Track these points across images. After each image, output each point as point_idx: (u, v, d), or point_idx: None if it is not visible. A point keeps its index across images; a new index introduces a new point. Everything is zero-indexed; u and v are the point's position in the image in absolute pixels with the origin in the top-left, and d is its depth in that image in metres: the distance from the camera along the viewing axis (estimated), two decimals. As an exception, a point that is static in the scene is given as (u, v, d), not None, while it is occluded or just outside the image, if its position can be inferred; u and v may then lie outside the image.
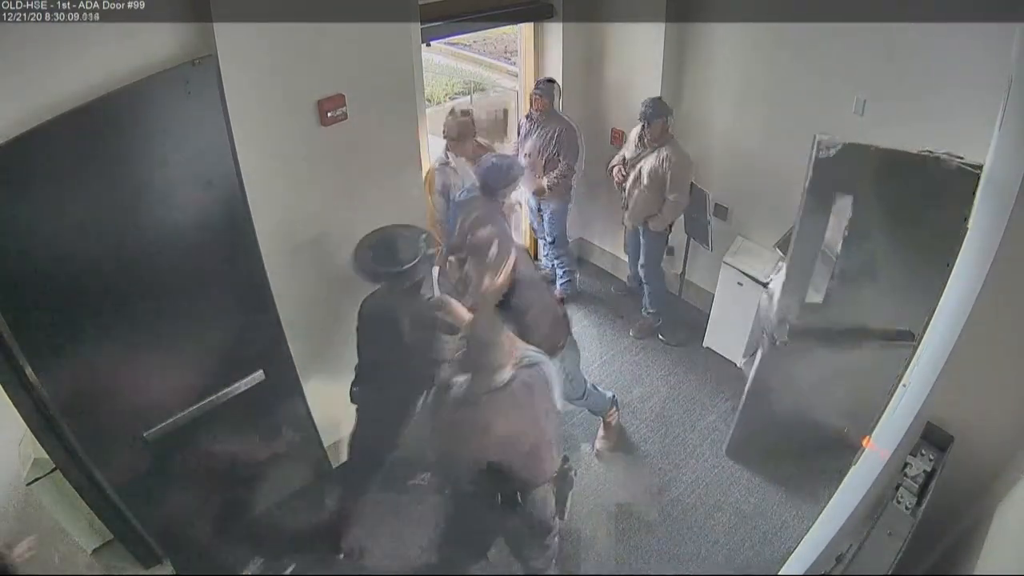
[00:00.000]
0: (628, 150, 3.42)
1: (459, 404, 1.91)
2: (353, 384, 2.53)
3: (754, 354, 2.85)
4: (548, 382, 1.98)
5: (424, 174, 3.01)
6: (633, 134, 3.40)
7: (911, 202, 2.31)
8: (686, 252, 3.67)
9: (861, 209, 2.36)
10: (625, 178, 3.41)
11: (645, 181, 3.30)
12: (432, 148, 3.32)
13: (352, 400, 2.53)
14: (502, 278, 2.37)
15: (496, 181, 2.71)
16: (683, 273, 3.76)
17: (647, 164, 3.29)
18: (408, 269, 2.20)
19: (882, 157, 2.28)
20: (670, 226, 3.47)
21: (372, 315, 2.28)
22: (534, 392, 1.95)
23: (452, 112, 3.21)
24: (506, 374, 1.91)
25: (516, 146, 3.67)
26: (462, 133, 3.11)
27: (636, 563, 2.69)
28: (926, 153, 2.24)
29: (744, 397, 2.93)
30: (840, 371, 2.70)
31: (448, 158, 3.16)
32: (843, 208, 2.38)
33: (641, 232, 3.54)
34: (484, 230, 2.57)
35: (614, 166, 3.48)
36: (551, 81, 3.48)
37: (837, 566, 1.94)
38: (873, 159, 2.29)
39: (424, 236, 2.29)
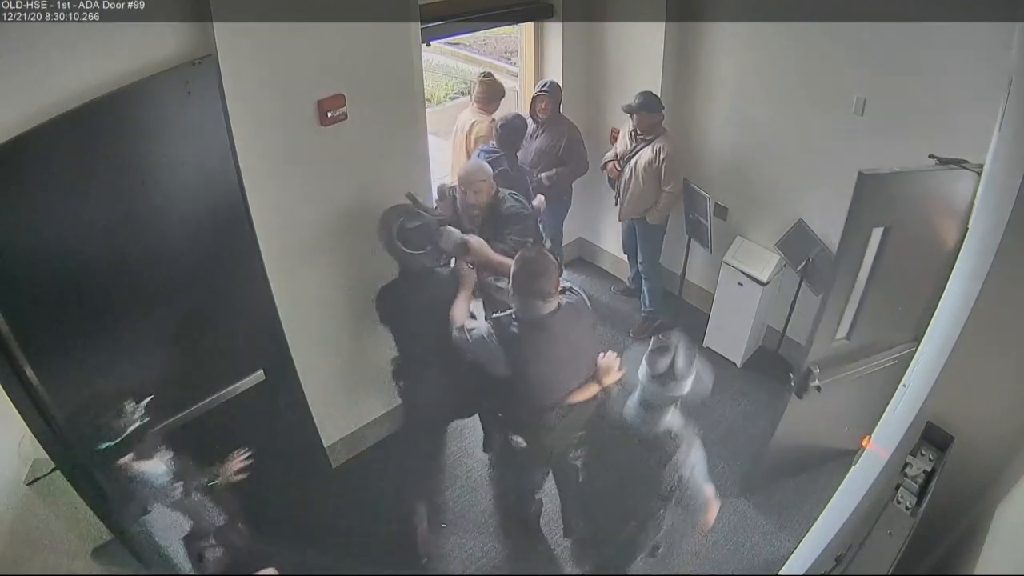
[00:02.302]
0: (620, 146, 3.43)
1: (522, 329, 2.07)
2: (397, 377, 2.59)
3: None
4: (586, 303, 2.20)
5: (466, 128, 3.56)
6: (625, 129, 3.40)
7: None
8: (686, 252, 3.67)
9: (903, 238, 2.26)
10: (619, 173, 3.41)
11: (641, 175, 3.31)
12: (432, 148, 3.34)
13: (401, 394, 2.63)
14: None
15: (514, 136, 3.20)
16: (683, 273, 3.76)
17: (642, 158, 3.30)
18: (433, 248, 2.34)
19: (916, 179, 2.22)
20: (666, 219, 3.48)
21: (400, 303, 2.36)
22: (580, 313, 2.16)
23: (482, 79, 3.60)
24: (553, 302, 2.07)
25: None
26: (492, 94, 3.54)
27: (635, 563, 2.69)
28: (933, 160, 2.22)
29: (770, 448, 2.82)
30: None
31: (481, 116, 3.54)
32: (883, 240, 2.27)
33: (637, 228, 3.54)
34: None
35: (608, 162, 3.49)
36: (556, 84, 3.48)
37: (837, 566, 1.94)
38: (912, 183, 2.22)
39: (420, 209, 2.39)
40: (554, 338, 2.09)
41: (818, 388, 2.37)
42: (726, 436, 3.16)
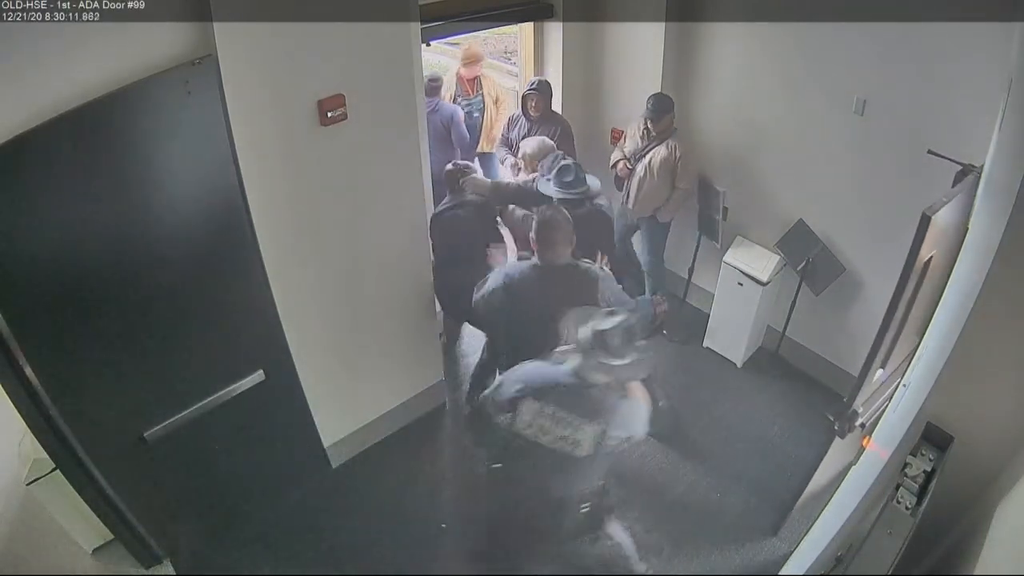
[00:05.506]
0: (629, 145, 3.43)
1: (539, 272, 2.36)
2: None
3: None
4: (597, 279, 2.37)
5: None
6: (632, 129, 3.41)
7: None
8: (696, 251, 3.67)
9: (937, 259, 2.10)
10: (631, 172, 3.42)
11: (656, 172, 3.32)
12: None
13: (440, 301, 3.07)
14: None
15: (435, 84, 3.70)
16: (691, 269, 3.76)
17: (657, 156, 3.30)
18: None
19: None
20: (673, 217, 3.49)
21: (453, 224, 2.88)
22: (587, 277, 2.36)
23: (468, 45, 4.01)
24: (565, 258, 2.33)
25: (506, 141, 3.66)
26: (476, 57, 3.92)
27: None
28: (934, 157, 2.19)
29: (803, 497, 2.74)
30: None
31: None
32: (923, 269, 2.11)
33: (644, 225, 3.55)
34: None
35: (618, 161, 3.49)
36: (546, 81, 3.48)
37: (837, 566, 1.94)
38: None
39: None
40: (563, 284, 2.32)
41: (862, 426, 2.35)
42: (726, 437, 3.16)
